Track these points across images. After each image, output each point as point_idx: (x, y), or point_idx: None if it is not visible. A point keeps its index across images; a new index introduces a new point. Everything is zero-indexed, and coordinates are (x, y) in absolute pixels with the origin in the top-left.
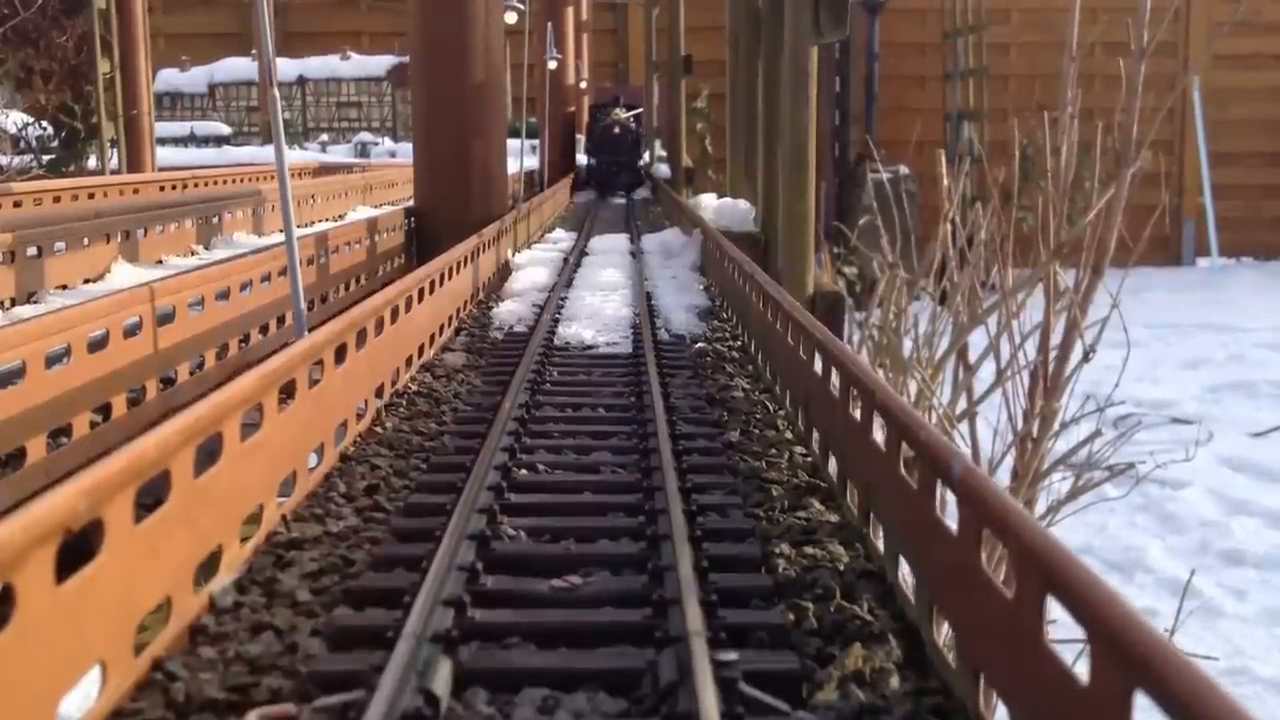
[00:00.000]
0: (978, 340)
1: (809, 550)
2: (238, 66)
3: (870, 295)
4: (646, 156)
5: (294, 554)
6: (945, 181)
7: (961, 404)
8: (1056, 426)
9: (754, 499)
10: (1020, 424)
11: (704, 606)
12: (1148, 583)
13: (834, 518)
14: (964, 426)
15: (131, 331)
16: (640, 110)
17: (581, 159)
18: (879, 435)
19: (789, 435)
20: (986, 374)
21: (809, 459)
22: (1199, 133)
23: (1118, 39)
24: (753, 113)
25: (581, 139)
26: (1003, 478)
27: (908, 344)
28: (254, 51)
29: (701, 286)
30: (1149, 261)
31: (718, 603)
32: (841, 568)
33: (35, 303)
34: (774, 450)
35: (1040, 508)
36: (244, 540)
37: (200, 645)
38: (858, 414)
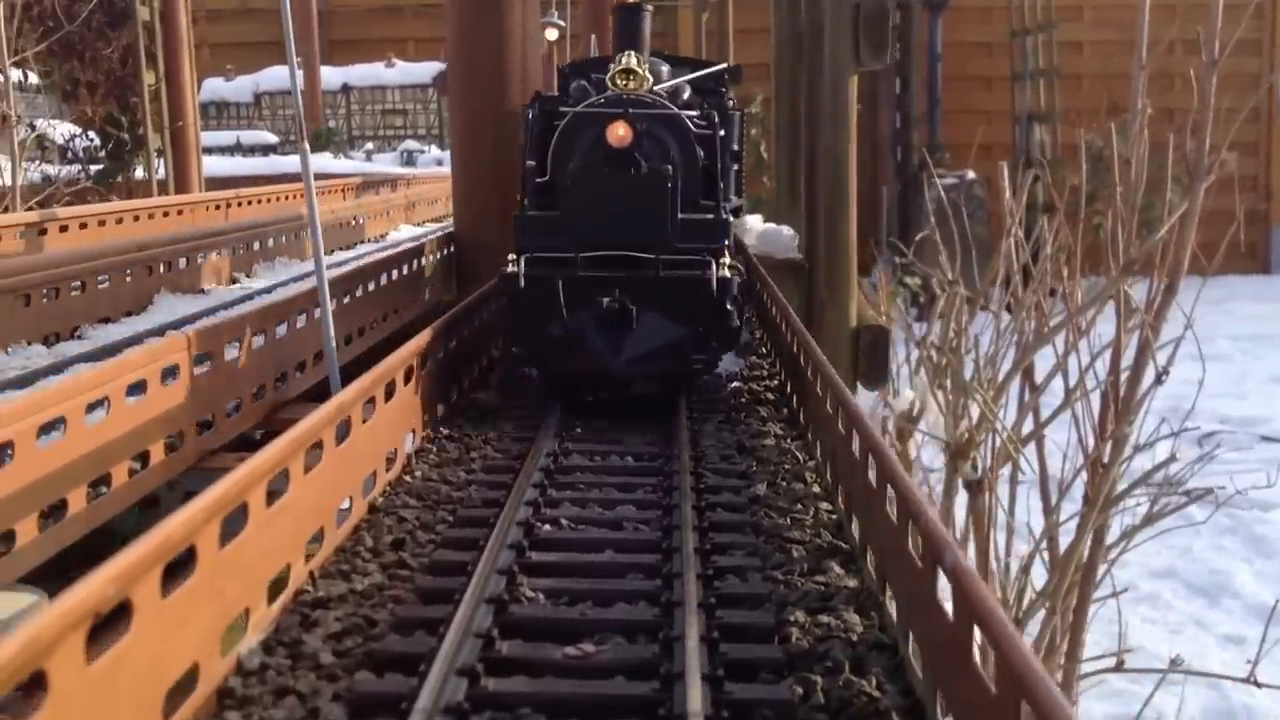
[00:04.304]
0: (1045, 356)
1: (823, 619)
2: (283, 75)
3: (932, 307)
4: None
5: (319, 613)
6: (1007, 195)
7: (1027, 425)
8: (1129, 450)
9: (774, 560)
10: (1091, 446)
11: (710, 682)
12: (1235, 608)
13: (852, 583)
14: (1030, 449)
15: (169, 377)
16: (725, 66)
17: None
18: (891, 506)
19: (816, 489)
20: (1054, 392)
21: (834, 516)
22: None
23: (1197, 35)
24: (796, 136)
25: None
26: (1071, 504)
27: (969, 363)
28: (298, 60)
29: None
30: (1234, 270)
31: (724, 677)
32: (855, 638)
33: (79, 338)
34: (799, 506)
35: (1115, 533)
36: (272, 598)
37: (227, 709)
38: (874, 479)
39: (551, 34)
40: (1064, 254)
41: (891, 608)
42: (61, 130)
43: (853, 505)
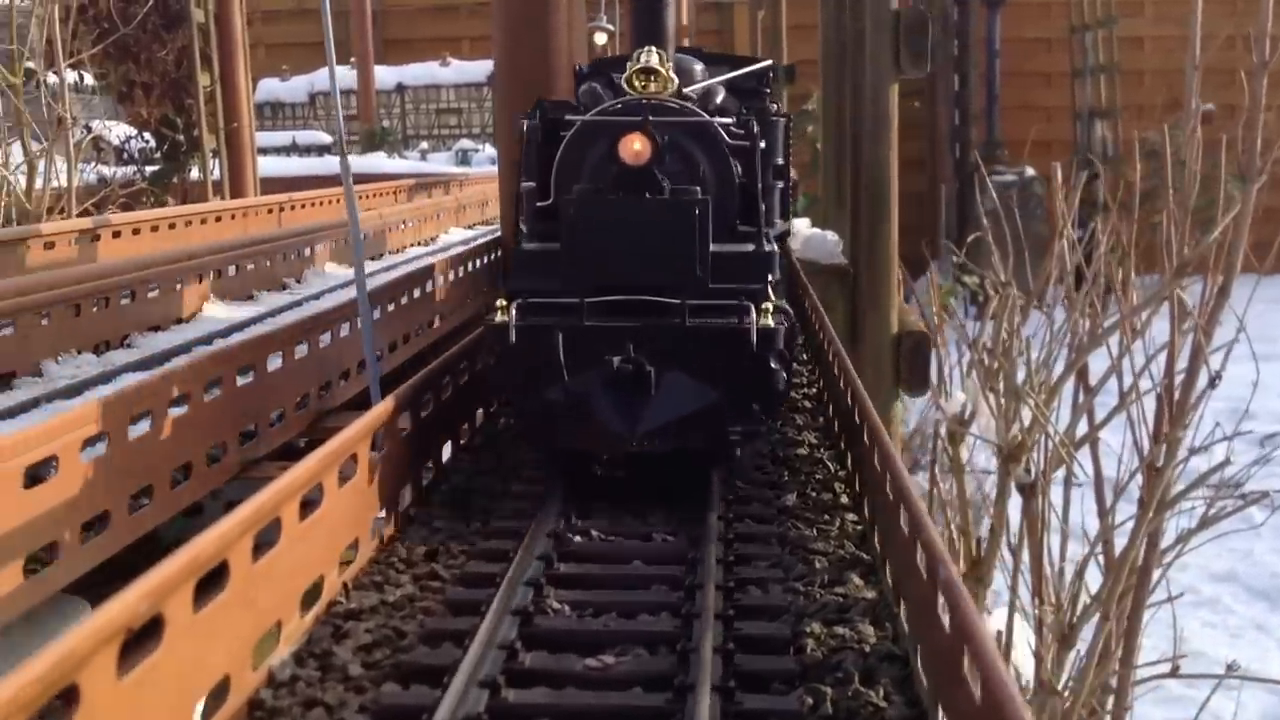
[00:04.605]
0: (1100, 356)
1: (839, 630)
2: (338, 74)
3: (989, 306)
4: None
5: (351, 625)
6: (1060, 196)
7: (1082, 426)
8: (1185, 452)
9: (796, 571)
10: (1147, 448)
11: (721, 693)
12: None
13: (871, 594)
14: (1085, 451)
15: (213, 388)
16: (768, 64)
17: None
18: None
19: (845, 499)
20: (1109, 392)
21: (859, 527)
22: None
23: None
24: (843, 138)
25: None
26: (1130, 506)
27: (1020, 365)
28: (352, 60)
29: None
30: None
31: (736, 687)
32: (867, 649)
33: (128, 346)
34: (826, 517)
35: (1171, 536)
36: (306, 609)
37: None
38: (891, 492)
39: (601, 38)
40: (1118, 254)
41: (905, 620)
42: (117, 132)
43: (875, 517)
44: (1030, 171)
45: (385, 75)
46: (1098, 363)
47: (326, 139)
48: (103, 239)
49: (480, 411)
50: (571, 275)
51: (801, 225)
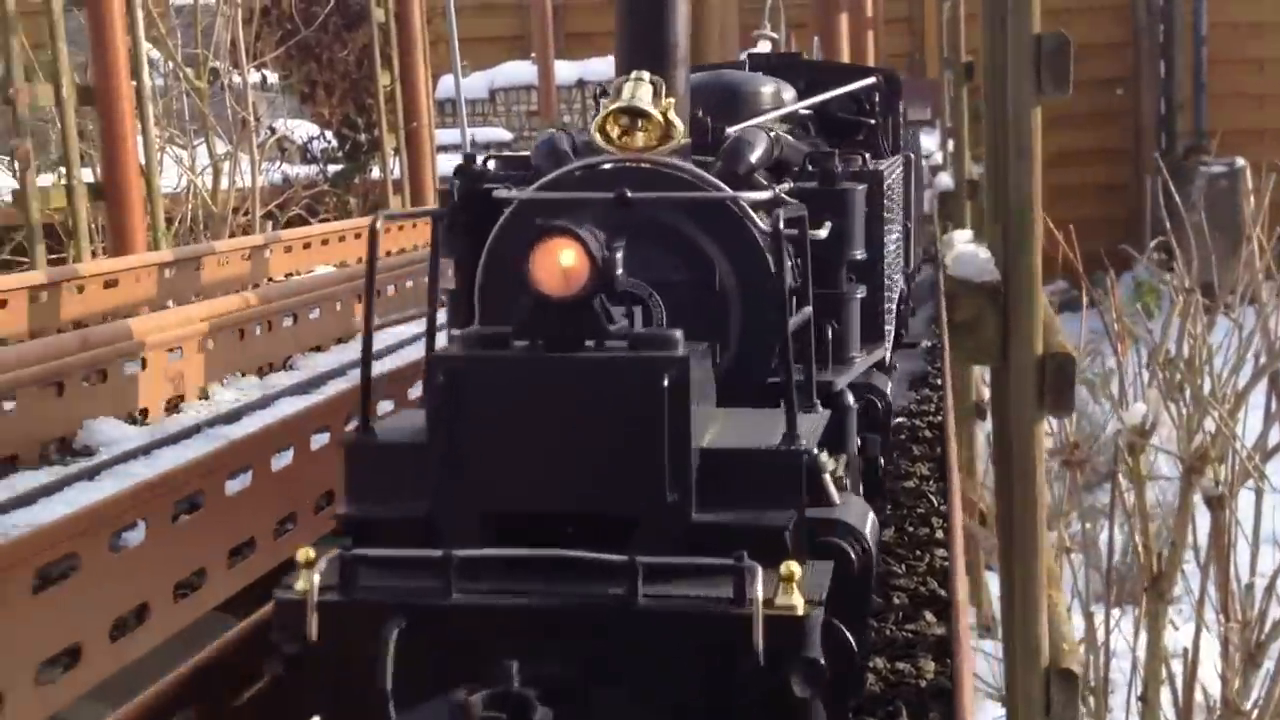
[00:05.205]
0: None
1: (901, 665)
2: (517, 70)
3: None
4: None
5: None
6: (1249, 201)
7: (1275, 434)
8: None
9: (874, 607)
10: None
11: None
12: None
13: (940, 630)
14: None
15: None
16: (869, 82)
17: None
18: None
19: (940, 534)
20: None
21: (946, 563)
22: None
23: None
24: (996, 153)
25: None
26: None
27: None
28: (533, 55)
29: (927, 345)
30: None
31: None
32: (924, 684)
33: (290, 369)
34: (917, 552)
35: None
36: None
37: None
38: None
39: (764, 47)
40: None
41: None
42: (301, 132)
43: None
44: (1240, 162)
45: (565, 71)
46: None
47: (505, 136)
48: (274, 253)
49: None
50: (442, 495)
51: (960, 239)
